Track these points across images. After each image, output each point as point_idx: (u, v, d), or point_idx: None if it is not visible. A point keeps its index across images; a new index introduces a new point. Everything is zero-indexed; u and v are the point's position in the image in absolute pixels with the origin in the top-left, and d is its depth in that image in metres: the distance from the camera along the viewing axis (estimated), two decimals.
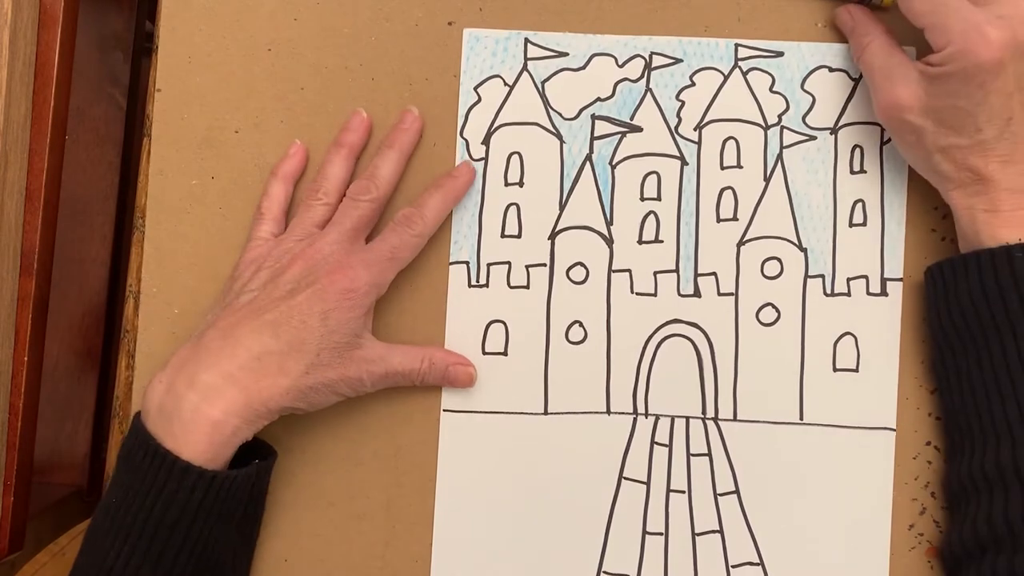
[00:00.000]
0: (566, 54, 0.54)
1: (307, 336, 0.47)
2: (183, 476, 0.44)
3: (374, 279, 0.48)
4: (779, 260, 0.53)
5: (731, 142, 0.53)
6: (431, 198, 0.51)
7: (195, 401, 0.45)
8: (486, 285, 0.53)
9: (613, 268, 0.53)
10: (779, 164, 0.53)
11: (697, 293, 0.53)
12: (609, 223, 0.53)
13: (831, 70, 0.53)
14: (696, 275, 0.53)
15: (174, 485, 0.44)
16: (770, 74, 0.53)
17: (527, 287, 0.53)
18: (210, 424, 0.45)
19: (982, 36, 0.44)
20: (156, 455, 0.45)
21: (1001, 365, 0.46)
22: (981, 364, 0.47)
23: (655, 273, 0.53)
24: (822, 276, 0.53)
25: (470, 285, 0.53)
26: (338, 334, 0.47)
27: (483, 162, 0.54)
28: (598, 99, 0.54)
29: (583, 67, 0.54)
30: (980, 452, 0.47)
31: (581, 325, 0.53)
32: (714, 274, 0.53)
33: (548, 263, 0.53)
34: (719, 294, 0.53)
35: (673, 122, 0.53)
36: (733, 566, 0.52)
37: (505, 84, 0.54)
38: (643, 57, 0.53)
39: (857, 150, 0.53)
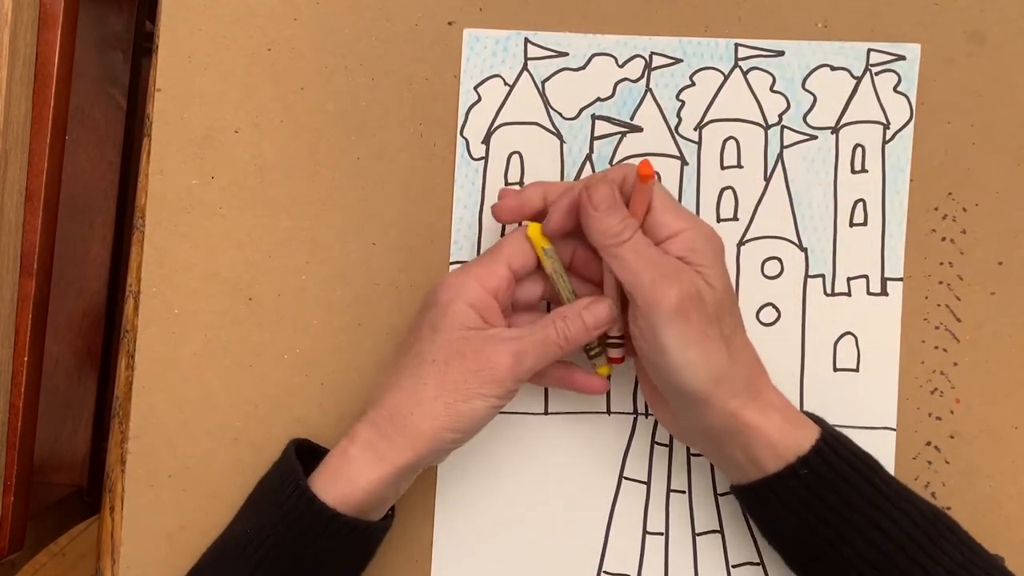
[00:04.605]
0: (566, 54, 0.54)
1: None
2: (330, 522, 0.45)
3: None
4: (779, 260, 0.53)
5: (731, 142, 0.53)
6: None
7: None
8: None
9: None
10: (779, 164, 0.53)
11: None
12: None
13: (832, 69, 0.53)
14: None
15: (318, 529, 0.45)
16: (771, 73, 0.53)
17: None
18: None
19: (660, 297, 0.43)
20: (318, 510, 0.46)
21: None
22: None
23: None
24: (822, 276, 0.53)
25: None
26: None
27: (483, 162, 0.54)
28: (598, 99, 0.54)
29: (583, 67, 0.54)
30: None
31: None
32: None
33: None
34: None
35: (673, 122, 0.53)
36: (733, 566, 0.52)
37: (505, 84, 0.54)
38: (643, 57, 0.53)
39: (858, 149, 0.53)
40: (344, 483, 0.45)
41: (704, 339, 0.44)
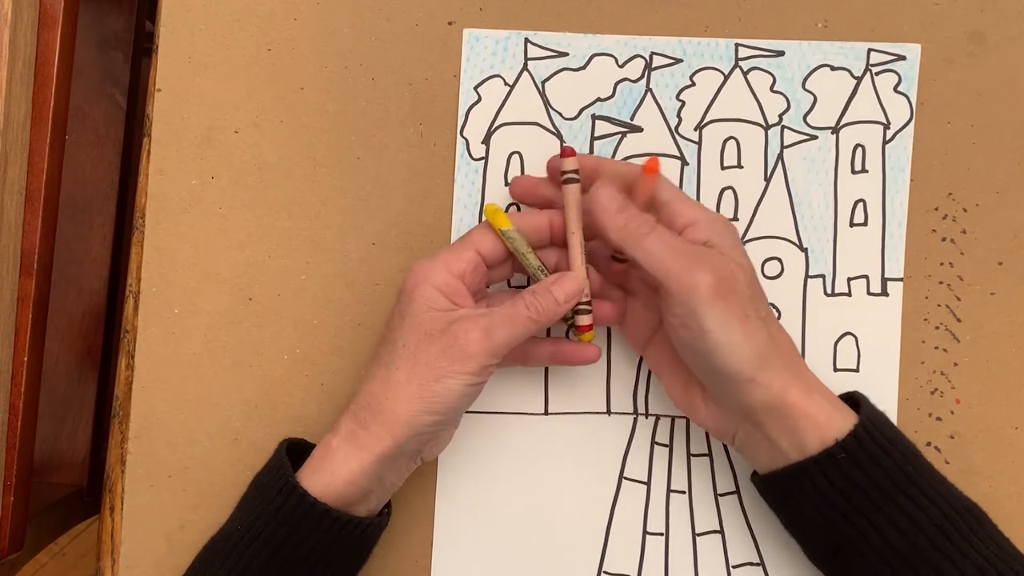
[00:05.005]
0: (566, 54, 0.54)
1: None
2: (323, 517, 0.45)
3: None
4: (779, 260, 0.53)
5: (731, 142, 0.53)
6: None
7: None
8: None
9: None
10: (780, 164, 0.53)
11: None
12: None
13: (832, 69, 0.53)
14: None
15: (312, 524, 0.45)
16: (771, 73, 0.53)
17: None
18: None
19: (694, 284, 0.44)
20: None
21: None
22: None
23: None
24: (822, 276, 0.53)
25: None
26: None
27: (483, 162, 0.54)
28: (598, 99, 0.54)
29: (583, 67, 0.54)
30: None
31: None
32: None
33: None
34: None
35: (673, 122, 0.53)
36: (733, 566, 0.52)
37: (505, 84, 0.54)
38: (643, 57, 0.53)
39: (859, 149, 0.53)
40: (327, 475, 0.45)
41: (744, 319, 0.44)
